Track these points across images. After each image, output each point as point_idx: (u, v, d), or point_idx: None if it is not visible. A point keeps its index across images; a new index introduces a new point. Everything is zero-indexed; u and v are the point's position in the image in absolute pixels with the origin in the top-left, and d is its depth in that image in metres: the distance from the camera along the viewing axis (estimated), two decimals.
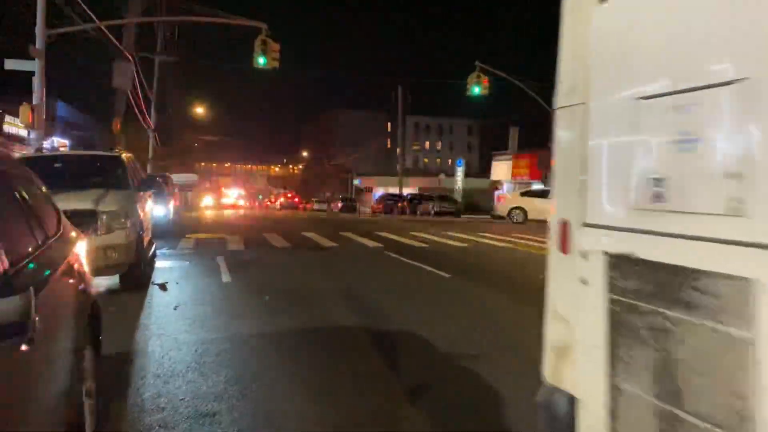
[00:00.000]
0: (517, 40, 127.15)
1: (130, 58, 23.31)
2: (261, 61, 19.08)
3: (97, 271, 7.98)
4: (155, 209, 16.11)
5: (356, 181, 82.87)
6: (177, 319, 6.78)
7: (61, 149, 26.25)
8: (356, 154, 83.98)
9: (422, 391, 4.66)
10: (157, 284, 8.93)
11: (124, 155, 10.22)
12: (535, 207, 26.64)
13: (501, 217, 28.59)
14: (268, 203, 75.10)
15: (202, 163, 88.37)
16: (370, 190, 73.92)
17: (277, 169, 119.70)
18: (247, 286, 8.99)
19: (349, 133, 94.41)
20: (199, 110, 48.00)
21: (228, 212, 41.79)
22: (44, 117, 16.03)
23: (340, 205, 56.53)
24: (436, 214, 40.02)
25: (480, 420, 4.15)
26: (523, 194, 28.62)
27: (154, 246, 10.97)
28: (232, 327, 6.44)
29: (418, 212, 42.66)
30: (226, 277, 9.68)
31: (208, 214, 37.75)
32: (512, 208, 28.02)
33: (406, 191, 55.28)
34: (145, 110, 32.71)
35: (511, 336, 6.36)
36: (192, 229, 19.47)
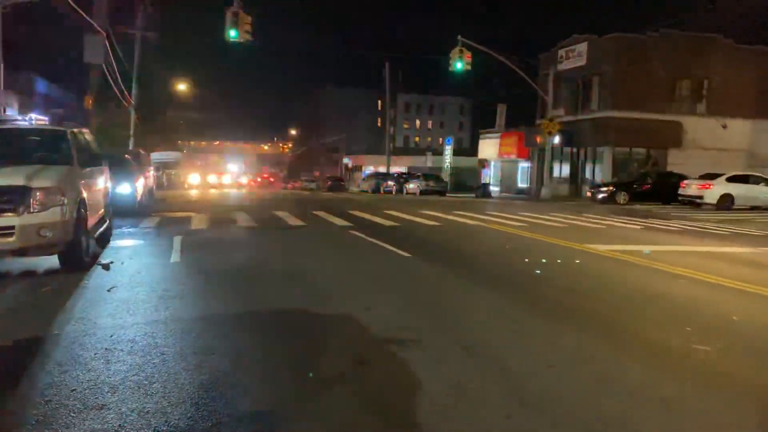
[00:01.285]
0: (512, 16, 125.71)
1: (101, 31, 22.65)
2: (232, 33, 18.58)
3: (31, 251, 7.66)
4: (120, 187, 15.78)
5: (346, 160, 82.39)
6: (106, 302, 6.43)
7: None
8: (344, 134, 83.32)
9: (334, 381, 4.33)
10: (102, 264, 8.57)
11: (73, 130, 9.76)
12: (742, 193, 24.97)
13: (697, 204, 25.34)
14: (251, 183, 73.84)
15: (191, 142, 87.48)
16: (359, 168, 73.49)
17: (266, 147, 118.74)
18: (193, 267, 8.64)
19: (340, 111, 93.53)
20: (184, 87, 47.19)
21: (213, 191, 41.22)
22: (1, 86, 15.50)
23: (328, 183, 56.03)
24: (423, 192, 39.71)
25: (381, 412, 3.84)
26: (729, 180, 25.74)
27: (106, 224, 10.59)
28: (160, 310, 6.10)
29: (405, 191, 42.35)
30: (175, 257, 9.32)
31: (190, 192, 37.20)
32: (722, 195, 24.90)
33: (395, 170, 54.91)
34: (123, 87, 32.09)
35: (449, 318, 6.05)
36: (163, 207, 19.05)
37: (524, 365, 4.72)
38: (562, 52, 38.12)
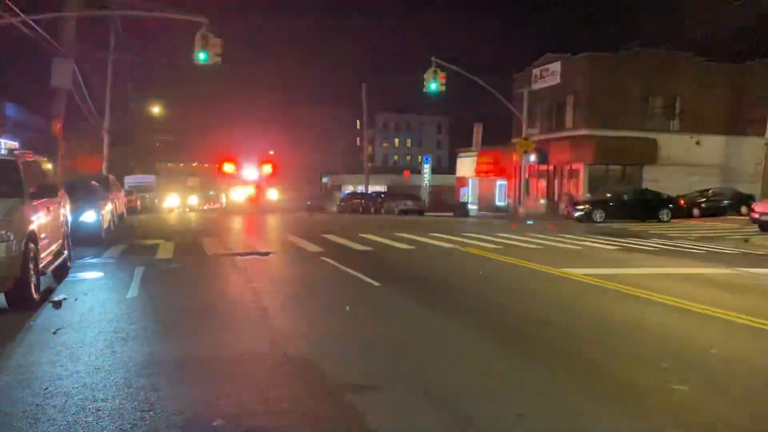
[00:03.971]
0: (488, 35, 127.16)
1: (69, 55, 22.20)
2: (202, 56, 18.26)
3: None
4: (85, 215, 15.32)
5: (324, 179, 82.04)
6: (49, 346, 6.01)
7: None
8: (324, 153, 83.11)
9: None
10: (53, 301, 8.12)
11: (25, 159, 9.33)
12: None
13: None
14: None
15: (169, 164, 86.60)
16: (338, 188, 73.14)
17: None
18: (150, 303, 8.23)
19: (318, 131, 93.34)
20: (158, 109, 46.66)
21: (194, 215, 40.48)
22: None
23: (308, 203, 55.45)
24: (401, 212, 39.40)
25: None
26: None
27: (63, 257, 10.15)
28: (106, 355, 5.69)
29: (383, 211, 42.03)
30: (133, 292, 8.89)
31: (165, 217, 36.52)
32: None
33: (374, 188, 54.64)
34: (94, 110, 31.55)
35: (414, 359, 5.73)
36: (132, 234, 18.53)
37: (491, 414, 4.40)
38: (536, 71, 38.35)
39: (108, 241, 15.46)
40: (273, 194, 57.46)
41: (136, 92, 42.55)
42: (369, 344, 6.28)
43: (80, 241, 14.48)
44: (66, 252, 10.55)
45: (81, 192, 16.66)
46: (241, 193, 56.04)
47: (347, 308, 7.95)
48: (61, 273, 10.04)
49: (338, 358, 5.68)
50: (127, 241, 15.81)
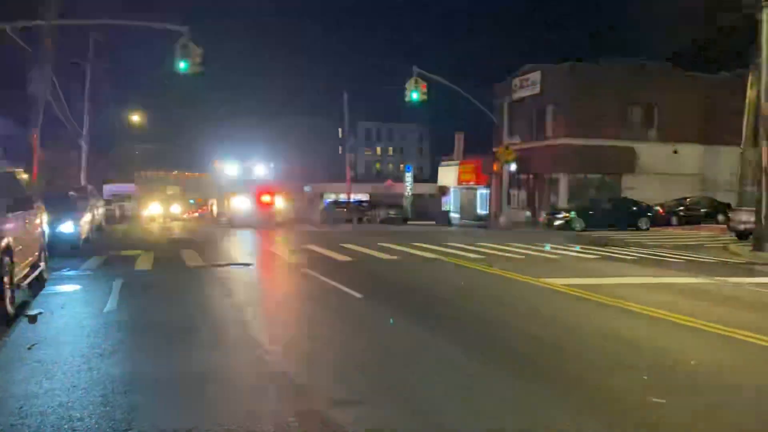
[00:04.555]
0: (469, 45, 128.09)
1: (46, 63, 21.94)
2: (182, 65, 18.14)
3: None
4: (62, 226, 15.11)
5: (306, 188, 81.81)
6: (24, 363, 5.89)
7: None
8: (306, 161, 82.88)
9: None
10: (29, 315, 7.97)
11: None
12: None
13: None
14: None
15: (148, 172, 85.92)
16: (321, 196, 72.97)
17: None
18: (128, 317, 8.11)
19: (299, 140, 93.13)
20: (138, 118, 46.23)
21: (174, 224, 40.01)
22: None
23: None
24: (384, 221, 39.41)
25: None
26: None
27: (39, 269, 9.98)
28: (82, 372, 5.59)
29: (365, 219, 42.01)
30: (110, 305, 8.75)
31: (145, 226, 36.14)
32: None
33: (357, 197, 54.57)
34: (73, 119, 31.20)
35: (395, 374, 5.70)
36: (111, 244, 18.30)
37: (469, 427, 4.38)
38: (516, 81, 38.66)
39: (86, 253, 15.25)
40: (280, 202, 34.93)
41: (115, 100, 42.19)
42: (351, 358, 6.24)
43: (58, 252, 14.28)
44: (42, 264, 10.38)
45: (58, 202, 16.43)
46: (244, 201, 33.49)
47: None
48: (37, 286, 9.87)
49: (320, 373, 5.64)
50: (106, 252, 15.60)
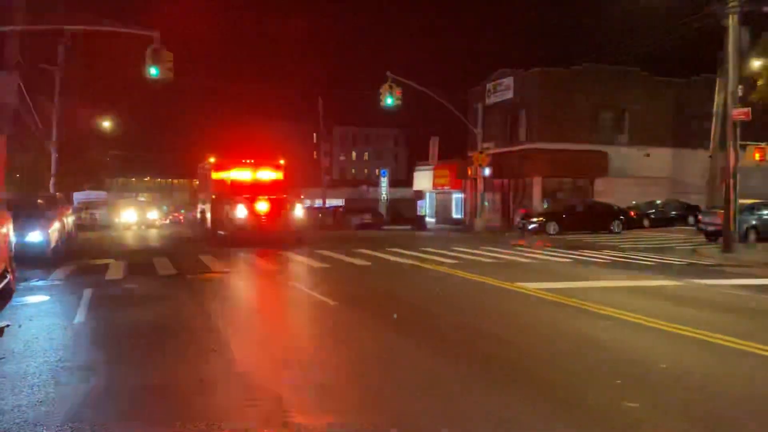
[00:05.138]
0: (443, 49, 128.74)
1: (13, 70, 21.55)
2: (153, 71, 17.90)
3: None
4: (31, 235, 14.80)
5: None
6: None
7: None
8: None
9: None
10: None
11: None
12: None
13: None
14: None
15: (120, 179, 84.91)
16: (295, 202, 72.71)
17: (197, 183, 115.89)
18: (98, 328, 7.97)
19: (274, 144, 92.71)
20: (109, 124, 45.59)
21: (150, 232, 39.50)
22: None
23: None
24: (359, 226, 39.33)
25: None
26: None
27: (6, 280, 9.76)
28: (49, 386, 5.46)
29: (340, 225, 41.89)
30: (80, 316, 8.59)
31: (119, 234, 35.64)
32: None
33: (333, 202, 54.46)
34: (41, 126, 30.67)
35: (370, 384, 5.67)
36: (82, 253, 17.99)
37: None
38: (490, 86, 38.99)
39: (56, 262, 14.94)
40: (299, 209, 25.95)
41: (86, 106, 41.54)
42: (324, 367, 6.20)
43: (26, 262, 13.98)
44: (9, 275, 10.15)
45: (26, 211, 16.12)
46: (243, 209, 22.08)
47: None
48: (4, 297, 9.65)
49: (293, 383, 5.59)
50: (76, 262, 15.33)
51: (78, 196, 37.35)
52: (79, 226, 28.54)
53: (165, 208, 53.33)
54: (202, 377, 5.87)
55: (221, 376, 5.90)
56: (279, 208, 21.00)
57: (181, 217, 67.42)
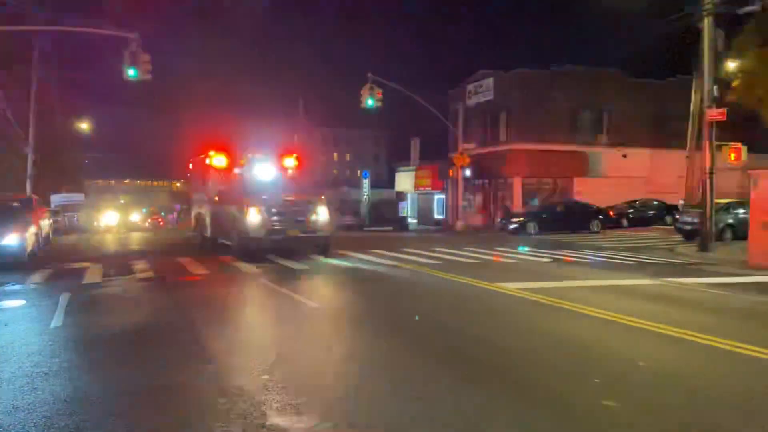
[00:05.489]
0: (424, 50, 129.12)
1: None
2: (131, 72, 17.77)
3: None
4: (6, 238, 14.60)
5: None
6: None
7: None
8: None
9: None
10: None
11: None
12: None
13: None
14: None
15: (98, 181, 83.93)
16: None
17: (178, 185, 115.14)
18: (75, 333, 7.87)
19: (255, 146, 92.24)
20: (86, 126, 45.02)
21: (133, 234, 39.09)
22: None
23: None
24: (341, 228, 39.21)
25: None
26: None
27: None
28: (26, 393, 5.39)
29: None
30: (57, 321, 8.47)
31: (97, 236, 35.23)
32: None
33: None
34: (19, 128, 30.23)
35: (350, 387, 5.67)
36: (60, 256, 17.76)
37: None
38: (470, 87, 39.16)
39: (33, 266, 14.74)
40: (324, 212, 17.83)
41: (63, 108, 41.02)
42: (305, 369, 6.17)
43: (2, 266, 13.81)
44: None
45: (2, 214, 15.92)
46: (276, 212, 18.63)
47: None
48: None
49: (273, 386, 5.55)
50: (53, 265, 15.14)
51: (55, 199, 36.80)
52: (57, 230, 28.17)
53: (144, 210, 52.78)
54: (181, 380, 5.82)
55: (199, 379, 5.85)
56: (308, 211, 16.49)
57: (161, 221, 66.83)
